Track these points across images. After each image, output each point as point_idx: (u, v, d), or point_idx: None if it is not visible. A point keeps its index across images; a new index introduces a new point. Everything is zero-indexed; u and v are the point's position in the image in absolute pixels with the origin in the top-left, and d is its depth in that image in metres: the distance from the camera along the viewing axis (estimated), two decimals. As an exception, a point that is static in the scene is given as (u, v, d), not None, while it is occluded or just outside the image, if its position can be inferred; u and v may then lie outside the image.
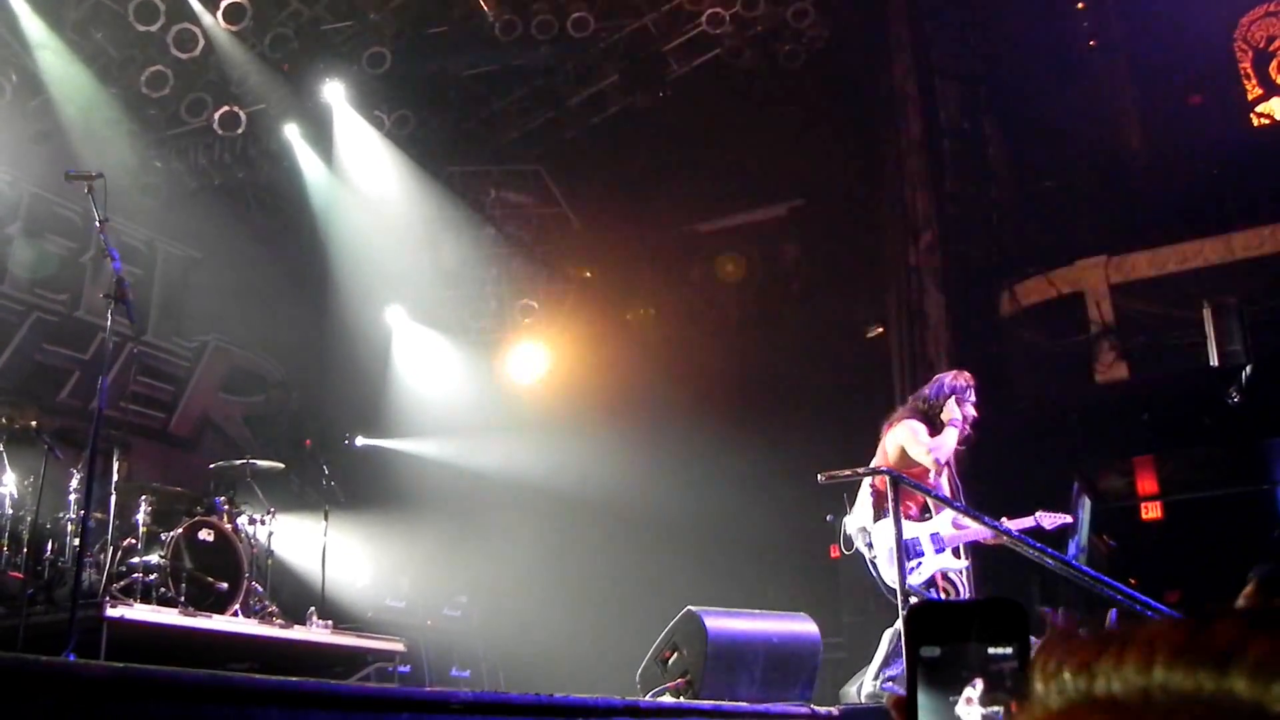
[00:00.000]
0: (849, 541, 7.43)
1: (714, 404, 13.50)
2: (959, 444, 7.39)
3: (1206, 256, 11.30)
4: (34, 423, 8.32)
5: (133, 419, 11.93)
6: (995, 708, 0.89)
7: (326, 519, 10.38)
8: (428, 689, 4.56)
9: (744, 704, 6.00)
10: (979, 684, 0.91)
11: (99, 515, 7.88)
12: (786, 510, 11.83)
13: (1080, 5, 14.51)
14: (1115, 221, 12.40)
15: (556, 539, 12.96)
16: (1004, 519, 6.99)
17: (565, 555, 12.80)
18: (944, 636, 0.92)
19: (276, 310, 13.35)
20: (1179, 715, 0.58)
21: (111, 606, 7.04)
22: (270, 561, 9.51)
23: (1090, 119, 14.09)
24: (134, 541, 8.16)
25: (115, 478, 8.16)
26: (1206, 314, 10.62)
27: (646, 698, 6.34)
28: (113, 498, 8.06)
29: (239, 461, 9.79)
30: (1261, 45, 14.45)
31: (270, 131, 12.60)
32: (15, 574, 7.67)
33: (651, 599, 9.56)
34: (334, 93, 12.39)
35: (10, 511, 7.87)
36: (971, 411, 7.34)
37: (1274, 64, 14.43)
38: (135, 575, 7.98)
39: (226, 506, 9.00)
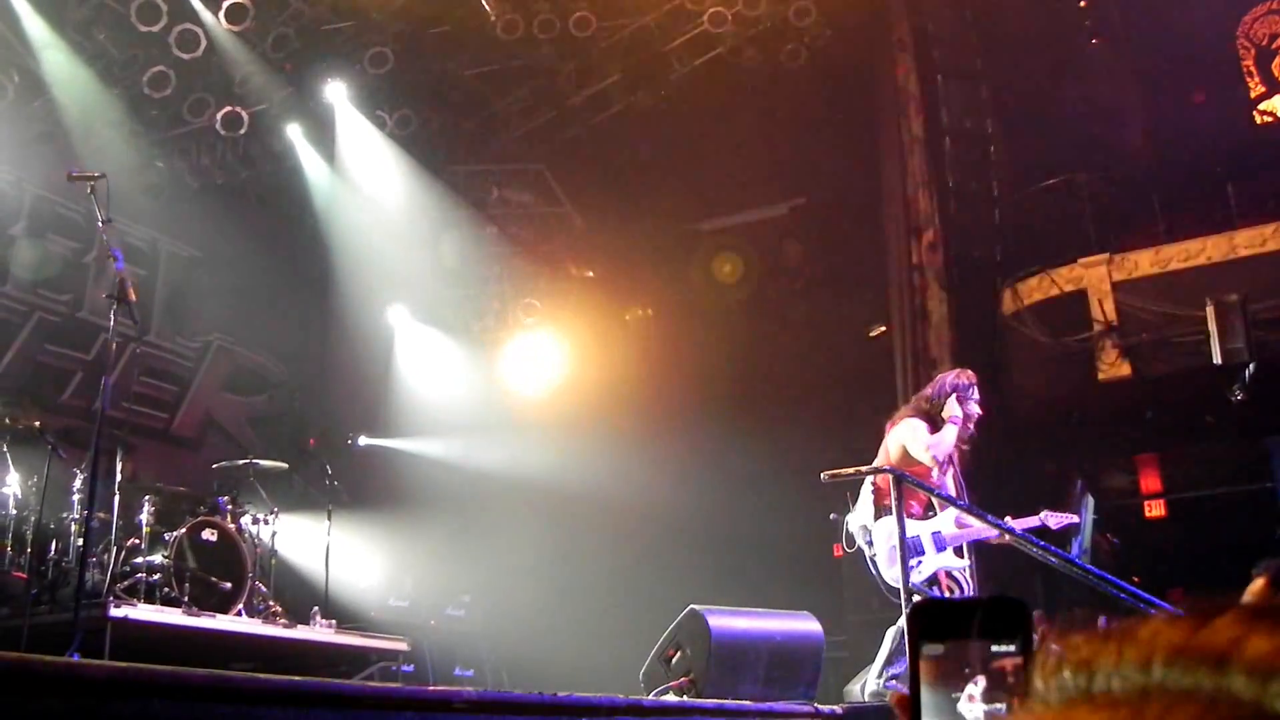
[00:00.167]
0: (852, 540, 7.42)
1: (717, 402, 13.50)
2: (962, 443, 7.38)
3: (1209, 254, 11.28)
4: (37, 423, 8.34)
5: (136, 419, 11.94)
6: (998, 705, 0.89)
7: (330, 519, 10.38)
8: (431, 688, 4.56)
9: (747, 703, 5.99)
10: (982, 681, 0.91)
11: (102, 515, 7.89)
12: (790, 509, 11.83)
13: (1083, 3, 14.49)
14: (1118, 219, 12.38)
15: (559, 538, 12.97)
16: (1008, 518, 6.98)
17: (568, 554, 12.80)
18: (947, 634, 0.92)
19: (279, 310, 13.36)
20: (1178, 712, 0.58)
21: (115, 606, 7.05)
22: (274, 561, 9.52)
23: (1092, 117, 14.08)
24: (138, 541, 8.17)
25: (119, 478, 8.17)
26: (1209, 312, 10.60)
27: (650, 696, 6.34)
28: (116, 498, 8.07)
29: (242, 461, 9.80)
30: (1264, 43, 14.44)
31: (272, 131, 12.61)
32: (19, 574, 7.68)
33: (654, 598, 9.56)
34: (336, 92, 12.40)
35: (14, 512, 7.88)
36: (975, 410, 7.33)
37: (1276, 61, 14.41)
38: (139, 575, 7.99)
39: (230, 506, 9.00)
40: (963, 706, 0.91)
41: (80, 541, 7.31)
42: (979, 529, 7.09)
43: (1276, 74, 14.42)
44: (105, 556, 7.85)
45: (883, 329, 13.35)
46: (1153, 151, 13.91)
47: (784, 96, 13.21)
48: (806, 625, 7.08)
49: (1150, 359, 11.26)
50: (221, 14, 10.77)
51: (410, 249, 13.91)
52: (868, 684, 7.09)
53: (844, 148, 13.78)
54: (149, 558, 8.13)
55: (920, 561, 6.95)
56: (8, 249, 11.46)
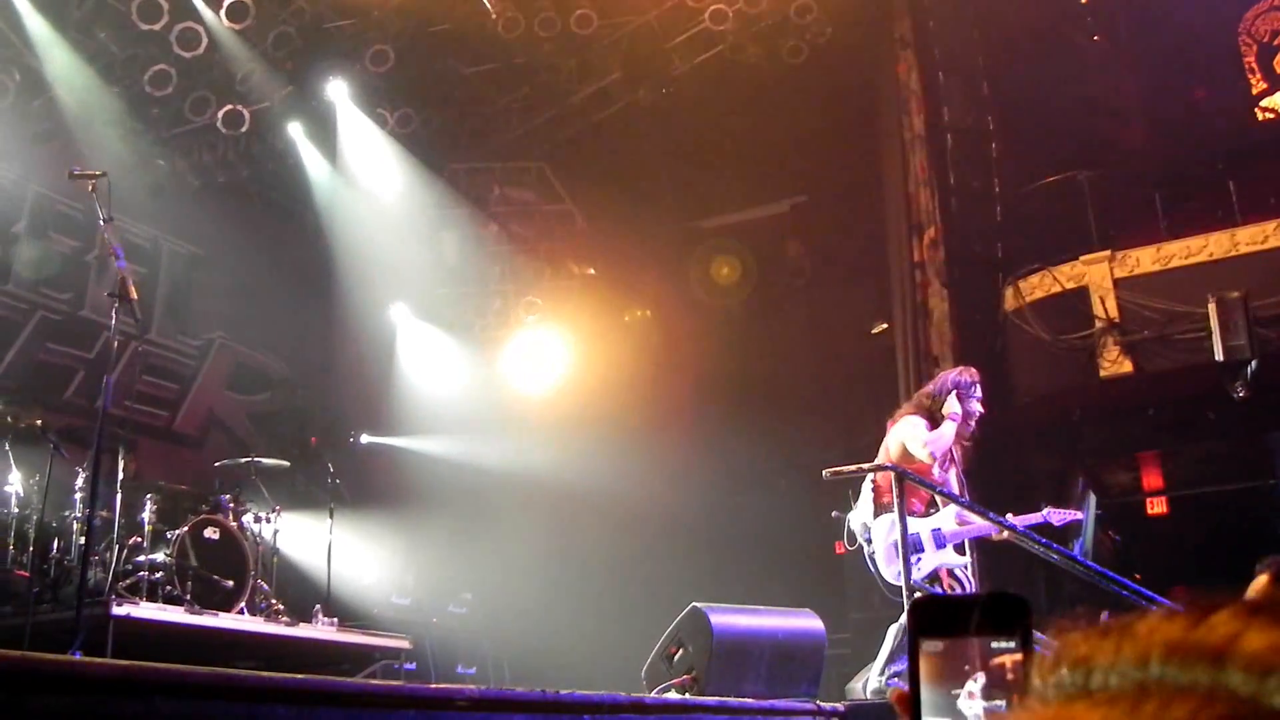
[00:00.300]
0: (853, 537, 7.43)
1: (719, 400, 13.51)
2: (964, 440, 7.38)
3: (1211, 251, 11.26)
4: (39, 422, 8.35)
5: (137, 418, 11.95)
6: (997, 702, 0.89)
7: (332, 516, 10.39)
8: (433, 686, 4.55)
9: (749, 700, 6.00)
10: (982, 678, 0.91)
11: (104, 514, 7.90)
12: (792, 506, 11.84)
13: (1084, 0, 14.49)
14: (1119, 216, 12.36)
15: (561, 536, 12.97)
16: (1009, 514, 6.98)
17: (570, 552, 12.81)
18: (947, 630, 0.92)
19: (281, 308, 13.36)
20: (1175, 708, 0.58)
21: (117, 605, 7.06)
22: (276, 559, 9.52)
23: (1094, 114, 14.07)
24: (140, 540, 8.18)
25: (121, 476, 8.17)
26: (1211, 308, 10.59)
27: (652, 694, 6.34)
28: (118, 496, 8.07)
29: (244, 460, 9.80)
30: (1266, 39, 14.42)
31: (274, 130, 12.62)
32: (21, 572, 7.69)
33: (656, 595, 9.57)
34: (337, 91, 12.41)
35: (16, 510, 7.89)
36: (976, 407, 7.33)
37: (1278, 58, 14.39)
38: (141, 573, 8.00)
39: (232, 504, 9.02)
40: (963, 703, 0.91)
41: (82, 540, 7.31)
42: (979, 526, 7.09)
43: (1278, 70, 14.39)
44: (107, 555, 7.86)
45: (884, 326, 13.35)
46: (1154, 148, 13.89)
47: (785, 94, 13.20)
48: (808, 623, 7.09)
49: (1152, 356, 11.25)
50: (222, 12, 10.78)
51: (411, 247, 13.92)
52: (870, 681, 7.09)
53: (845, 145, 13.78)
54: (151, 556, 8.14)
55: (919, 559, 6.96)
56: (9, 247, 11.47)
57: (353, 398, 14.15)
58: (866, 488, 7.31)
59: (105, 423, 6.32)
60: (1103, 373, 11.38)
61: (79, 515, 7.89)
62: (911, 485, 6.77)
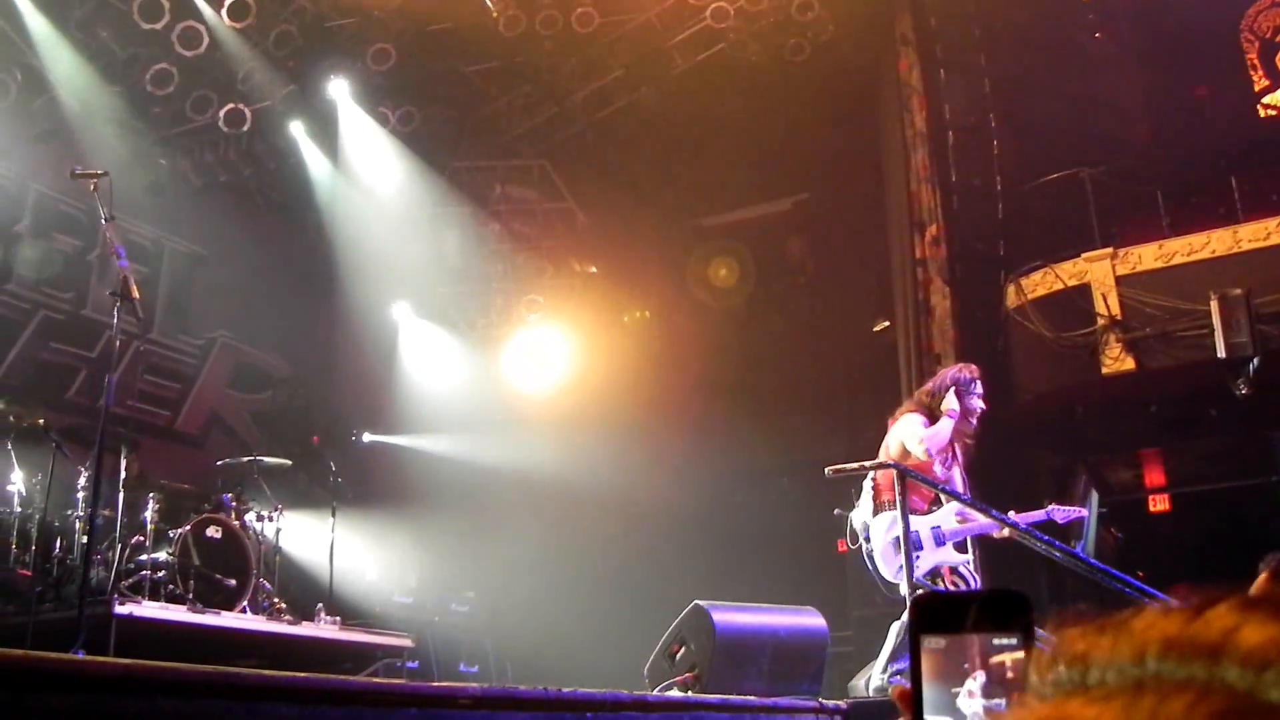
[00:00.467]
0: (856, 535, 7.42)
1: (721, 398, 13.51)
2: (966, 437, 7.38)
3: (1213, 248, 11.25)
4: (41, 421, 8.36)
5: (140, 417, 11.97)
6: (999, 699, 0.89)
7: (334, 515, 10.40)
8: (436, 684, 4.55)
9: (752, 698, 6.00)
10: (983, 675, 0.91)
11: (107, 513, 7.91)
12: (794, 504, 11.85)
13: (1086, -3, 14.48)
14: (1121, 213, 12.35)
15: (563, 534, 12.97)
16: (1011, 512, 6.98)
17: (572, 550, 12.81)
18: (948, 627, 0.92)
19: (283, 307, 13.36)
20: (1171, 703, 0.58)
21: (120, 603, 7.07)
22: (278, 558, 9.53)
23: (1095, 111, 14.05)
24: (142, 539, 8.19)
25: (123, 475, 8.19)
26: (1213, 305, 10.59)
27: (654, 692, 6.34)
28: (121, 495, 8.08)
29: (246, 458, 9.81)
30: (1268, 35, 14.40)
31: (275, 129, 12.62)
32: (24, 571, 7.70)
33: (658, 593, 9.57)
34: (339, 90, 12.42)
35: (19, 509, 7.90)
36: (977, 404, 7.32)
37: (1280, 54, 14.38)
38: (143, 572, 8.01)
39: (234, 503, 9.02)
40: (962, 702, 0.91)
41: (85, 539, 7.31)
42: (980, 523, 7.08)
43: (1280, 67, 14.39)
44: (110, 554, 7.88)
45: (886, 324, 13.34)
46: (1156, 145, 13.87)
47: (786, 92, 13.19)
48: (811, 620, 7.09)
49: (1154, 353, 11.24)
50: (224, 11, 10.78)
51: (413, 245, 13.92)
52: (872, 679, 7.09)
53: (847, 143, 13.77)
54: (154, 555, 8.15)
55: (918, 556, 6.95)
56: (11, 247, 11.48)
57: (355, 396, 14.16)
58: (867, 486, 7.31)
59: (107, 422, 6.32)
60: (1105, 370, 11.38)
61: (81, 514, 7.90)
62: (914, 483, 6.77)
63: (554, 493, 12.83)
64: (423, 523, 12.28)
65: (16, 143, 11.25)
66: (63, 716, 2.97)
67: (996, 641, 0.91)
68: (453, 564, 12.24)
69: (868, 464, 6.91)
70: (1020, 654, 0.89)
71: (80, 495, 8.06)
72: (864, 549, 7.26)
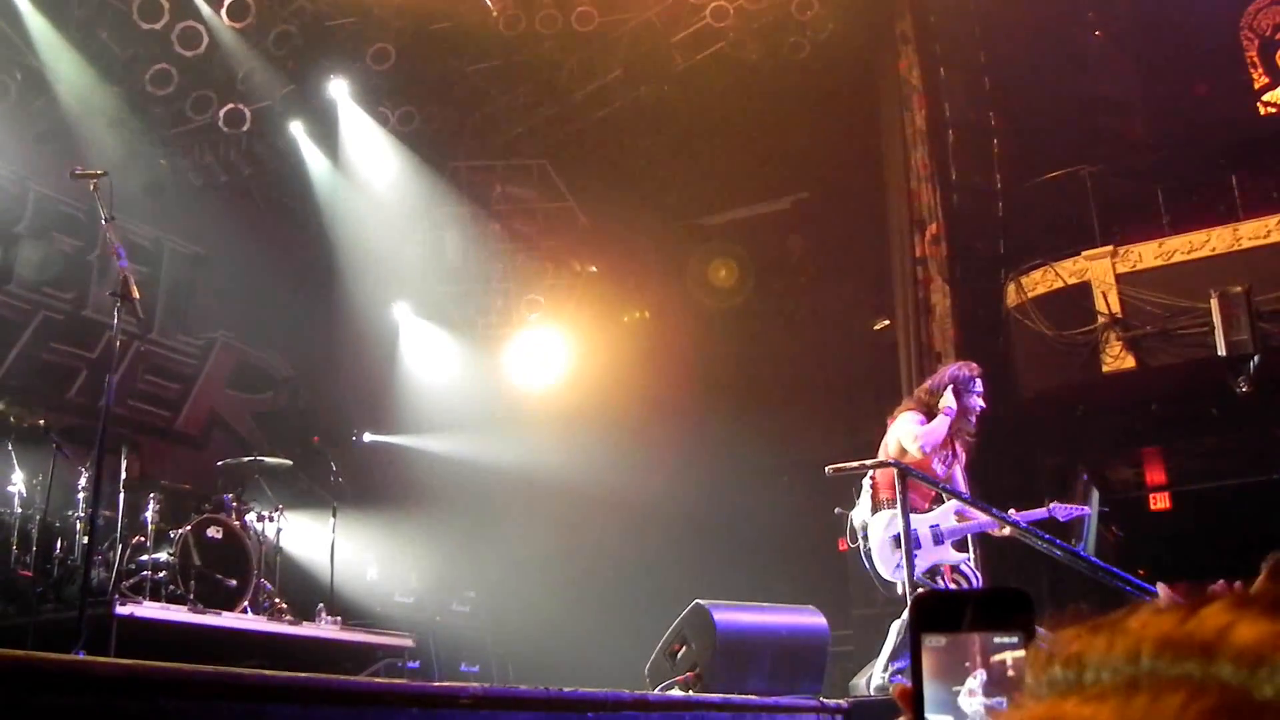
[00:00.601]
0: (856, 534, 7.42)
1: (721, 397, 13.50)
2: (968, 435, 7.37)
3: (1213, 246, 11.25)
4: (42, 421, 8.37)
5: (140, 417, 11.98)
6: (1000, 698, 0.89)
7: (335, 515, 10.40)
8: (437, 684, 4.55)
9: (753, 697, 6.00)
10: (984, 673, 0.90)
11: (107, 513, 7.91)
12: (795, 503, 11.83)
13: (1085, -5, 14.47)
14: (1121, 212, 12.35)
15: (564, 533, 12.97)
16: (1011, 510, 6.97)
17: (573, 550, 12.81)
18: (949, 626, 0.92)
19: (283, 307, 13.36)
20: (1165, 699, 0.58)
21: (121, 604, 7.08)
22: (279, 558, 9.53)
23: (1095, 109, 14.06)
24: (143, 539, 8.20)
25: (124, 476, 8.19)
26: (1214, 303, 10.59)
27: (655, 691, 6.34)
28: (121, 496, 8.09)
29: (247, 459, 9.82)
30: (1268, 33, 14.40)
31: (275, 128, 12.62)
32: (25, 572, 7.70)
33: (659, 593, 9.57)
34: (338, 89, 12.42)
35: (19, 510, 7.91)
36: (977, 402, 7.31)
37: (1280, 52, 14.38)
38: (144, 573, 8.02)
39: (235, 504, 9.02)
40: (963, 700, 0.91)
41: (85, 539, 7.31)
42: (979, 521, 7.08)
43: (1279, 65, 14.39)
44: (111, 554, 7.88)
45: (886, 322, 13.34)
46: (1156, 143, 13.88)
47: (786, 90, 13.19)
48: (812, 619, 7.09)
49: (1154, 351, 11.25)
50: (223, 11, 10.78)
51: (413, 245, 13.92)
52: (873, 678, 7.09)
53: (847, 141, 13.76)
54: (154, 555, 8.15)
55: (916, 555, 6.95)
56: (11, 247, 11.47)
57: (355, 396, 14.15)
58: (866, 485, 7.31)
59: (108, 422, 6.32)
60: (1105, 368, 11.38)
61: (82, 515, 7.90)
62: (914, 481, 6.76)
63: (555, 492, 12.83)
64: (423, 522, 12.28)
65: (16, 143, 11.25)
66: (64, 717, 2.97)
67: (997, 640, 0.91)
68: (454, 564, 12.24)
69: (868, 463, 6.91)
70: (1021, 653, 0.89)
71: (81, 496, 8.07)
72: (861, 547, 7.26)
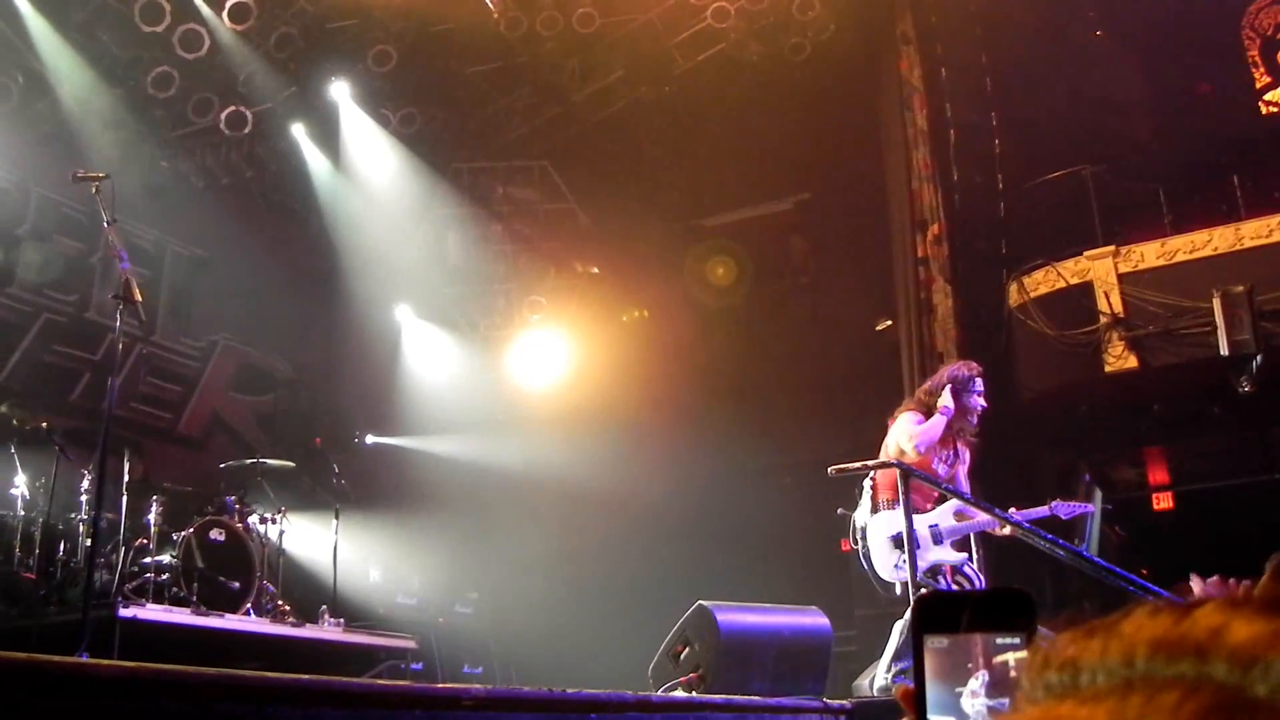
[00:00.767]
0: (859, 535, 7.42)
1: (723, 398, 13.50)
2: (971, 435, 7.37)
3: (1215, 245, 11.24)
4: (45, 424, 8.37)
5: (142, 419, 11.99)
6: (1002, 699, 0.89)
7: (337, 517, 10.41)
8: (440, 686, 4.55)
9: (756, 698, 6.00)
10: (984, 675, 0.90)
11: (110, 516, 7.91)
12: (797, 504, 11.84)
13: (1086, -5, 14.46)
14: (1123, 211, 12.34)
15: (567, 535, 12.97)
16: (1012, 509, 6.96)
17: (576, 550, 12.80)
18: (951, 627, 0.92)
19: (285, 309, 13.36)
20: (1159, 699, 0.58)
21: (124, 606, 7.08)
22: (282, 560, 9.53)
23: (1097, 109, 14.04)
24: (146, 541, 8.20)
25: (126, 478, 8.19)
26: (1216, 303, 10.58)
27: (658, 692, 6.34)
28: (124, 498, 8.09)
29: (249, 461, 9.83)
30: (1269, 33, 14.39)
31: (277, 131, 12.63)
32: (28, 575, 7.71)
33: (663, 594, 9.56)
34: (340, 91, 12.43)
35: (22, 513, 7.91)
36: (977, 402, 7.30)
37: (1282, 51, 14.36)
38: (147, 575, 8.02)
39: (237, 506, 9.03)
40: (965, 702, 0.91)
41: (88, 542, 7.31)
42: (979, 521, 7.07)
43: (1281, 64, 14.36)
44: (113, 557, 7.88)
45: (888, 323, 13.34)
46: (1158, 143, 13.87)
47: (787, 91, 13.20)
48: (814, 620, 7.09)
49: (1157, 351, 11.24)
50: (225, 13, 10.79)
51: (415, 246, 13.92)
52: (876, 679, 7.09)
53: (848, 142, 13.77)
54: (157, 558, 8.15)
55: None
56: (13, 250, 11.48)
57: (357, 398, 14.15)
58: (866, 485, 7.31)
59: (110, 425, 6.32)
60: (1108, 368, 11.37)
61: (85, 517, 7.90)
62: (917, 482, 6.76)
63: (557, 494, 12.83)
64: (426, 524, 12.28)
65: (18, 146, 11.26)
66: (67, 718, 2.98)
67: (1000, 641, 0.91)
68: (456, 565, 12.24)
69: (870, 463, 6.91)
70: (1024, 654, 0.89)
71: (84, 498, 8.07)
72: (859, 548, 7.26)
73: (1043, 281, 11.93)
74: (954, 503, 7.07)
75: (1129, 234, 11.87)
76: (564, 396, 13.83)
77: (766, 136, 13.76)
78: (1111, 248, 11.68)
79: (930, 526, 7.04)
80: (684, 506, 12.52)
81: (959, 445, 7.34)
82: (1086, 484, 13.27)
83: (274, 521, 9.45)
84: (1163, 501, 14.45)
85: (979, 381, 7.34)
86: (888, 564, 6.98)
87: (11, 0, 10.31)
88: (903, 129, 12.44)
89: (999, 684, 0.90)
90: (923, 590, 6.22)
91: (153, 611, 7.39)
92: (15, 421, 8.21)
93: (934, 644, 0.93)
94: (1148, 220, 12.07)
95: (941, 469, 7.22)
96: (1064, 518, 7.15)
